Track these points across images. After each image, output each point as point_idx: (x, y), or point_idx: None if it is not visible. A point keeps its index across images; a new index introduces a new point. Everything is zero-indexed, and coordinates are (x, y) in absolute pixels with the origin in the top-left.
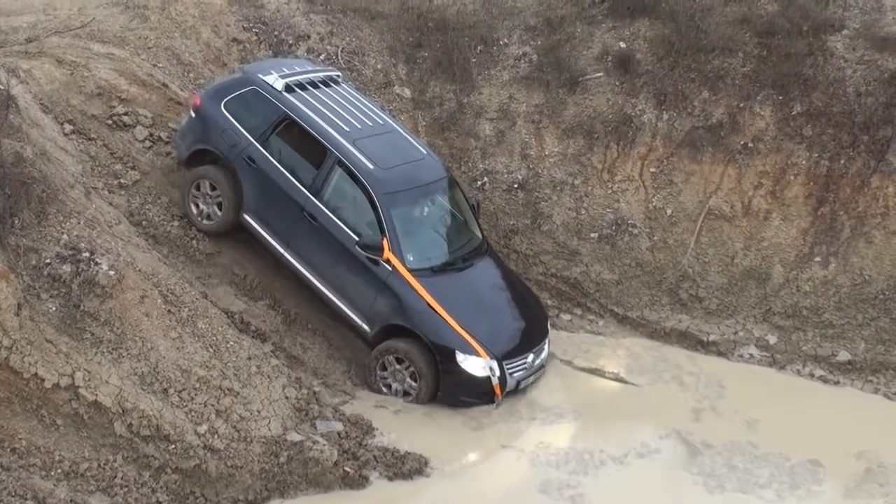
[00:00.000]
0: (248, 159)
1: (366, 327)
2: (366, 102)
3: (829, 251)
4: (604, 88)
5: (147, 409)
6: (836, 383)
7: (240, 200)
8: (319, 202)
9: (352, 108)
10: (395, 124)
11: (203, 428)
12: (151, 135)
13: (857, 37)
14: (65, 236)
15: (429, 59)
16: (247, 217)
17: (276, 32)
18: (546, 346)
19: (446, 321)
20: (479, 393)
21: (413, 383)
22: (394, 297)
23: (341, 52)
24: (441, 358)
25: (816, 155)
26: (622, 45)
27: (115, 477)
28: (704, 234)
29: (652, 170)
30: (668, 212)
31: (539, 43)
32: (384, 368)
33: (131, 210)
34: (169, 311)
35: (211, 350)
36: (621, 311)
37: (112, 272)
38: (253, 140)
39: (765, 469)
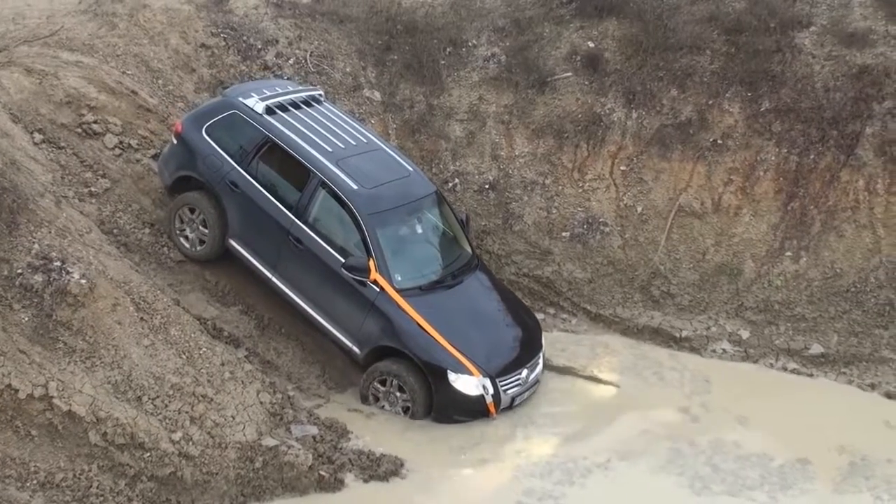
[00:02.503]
0: (232, 184)
1: (356, 349)
2: (349, 121)
3: (800, 245)
4: (573, 88)
5: (121, 417)
6: (810, 376)
7: (225, 226)
8: (304, 225)
9: (334, 128)
10: (379, 142)
11: (178, 435)
12: (121, 142)
13: (824, 33)
14: (36, 246)
15: (398, 62)
16: (233, 242)
17: (244, 38)
18: (540, 361)
19: (437, 340)
20: (472, 412)
21: (403, 414)
22: (383, 319)
23: (310, 56)
24: (433, 378)
25: (786, 150)
26: (590, 44)
27: (91, 486)
28: (675, 231)
29: (622, 168)
30: (639, 210)
31: (508, 44)
32: (383, 384)
33: (102, 218)
34: (141, 318)
35: (184, 357)
36: (594, 309)
37: (84, 281)
38: (235, 165)
39: (751, 469)
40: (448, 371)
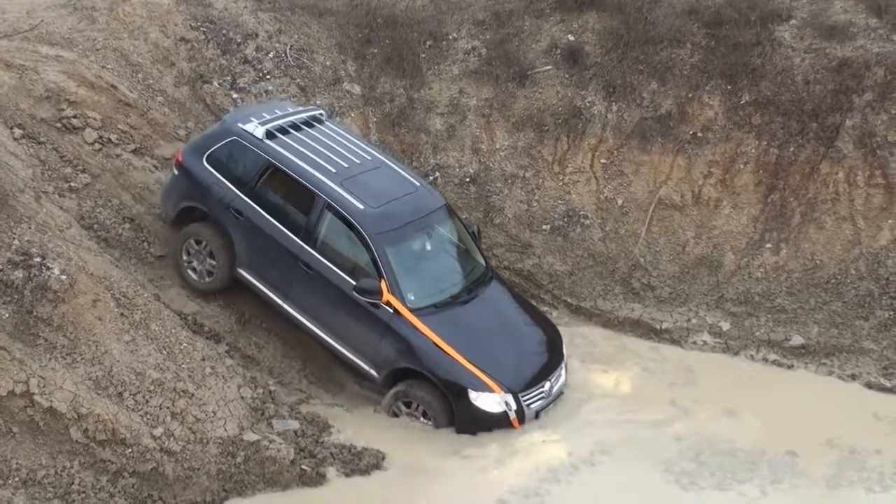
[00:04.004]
0: (236, 212)
1: (374, 373)
2: (351, 139)
3: (780, 237)
4: (553, 81)
5: (102, 413)
6: (790, 367)
7: (232, 256)
8: (313, 249)
9: (337, 147)
10: (384, 158)
11: (159, 431)
12: (101, 137)
13: (804, 26)
14: (16, 242)
15: (378, 55)
16: (242, 272)
17: (224, 31)
18: (563, 371)
19: (455, 359)
20: (496, 428)
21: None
22: (399, 340)
23: (290, 49)
24: (453, 397)
25: (766, 143)
26: (570, 37)
27: (73, 483)
28: (655, 224)
29: (602, 161)
30: (619, 202)
31: (488, 37)
32: (408, 406)
33: (82, 213)
34: (122, 314)
35: (165, 352)
36: (575, 302)
37: (64, 277)
38: (239, 192)
39: (740, 463)
40: (469, 390)
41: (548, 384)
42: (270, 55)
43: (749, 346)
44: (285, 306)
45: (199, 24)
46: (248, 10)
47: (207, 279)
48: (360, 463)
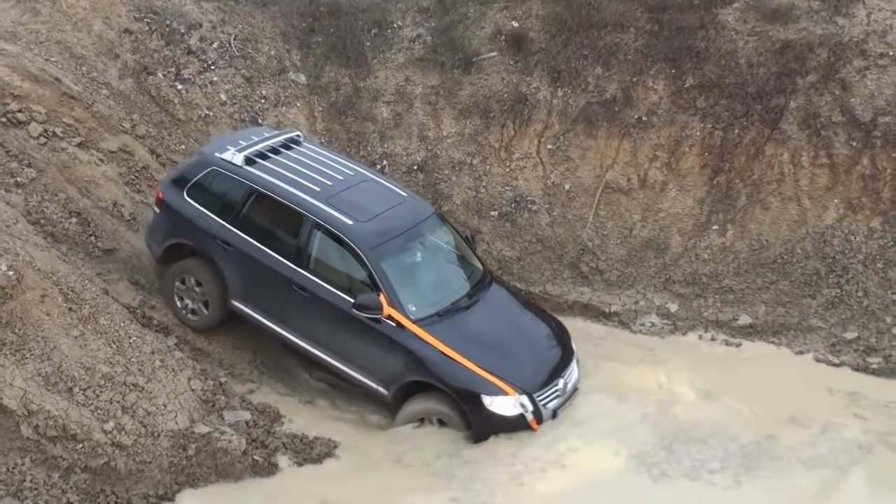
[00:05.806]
0: (224, 243)
1: (383, 391)
2: (332, 156)
3: (727, 219)
4: (498, 68)
5: (53, 409)
6: (739, 346)
7: (224, 288)
8: (306, 271)
9: (318, 166)
10: (367, 172)
11: (110, 425)
12: (46, 131)
13: (747, 9)
14: None
15: (323, 44)
16: (235, 303)
17: (167, 22)
18: (575, 367)
19: (465, 366)
20: (514, 431)
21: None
22: (405, 353)
23: (234, 39)
24: (467, 405)
25: (710, 126)
26: (514, 24)
27: (25, 480)
28: (602, 208)
29: (549, 147)
30: (567, 187)
31: (433, 24)
32: (421, 422)
33: (28, 209)
34: (70, 309)
35: (114, 346)
36: (524, 287)
37: (11, 273)
38: (224, 223)
39: (712, 450)
40: (482, 395)
41: (562, 381)
42: (214, 45)
43: (697, 326)
44: (283, 332)
45: (142, 14)
46: (191, 1)
47: (201, 316)
48: (312, 452)
